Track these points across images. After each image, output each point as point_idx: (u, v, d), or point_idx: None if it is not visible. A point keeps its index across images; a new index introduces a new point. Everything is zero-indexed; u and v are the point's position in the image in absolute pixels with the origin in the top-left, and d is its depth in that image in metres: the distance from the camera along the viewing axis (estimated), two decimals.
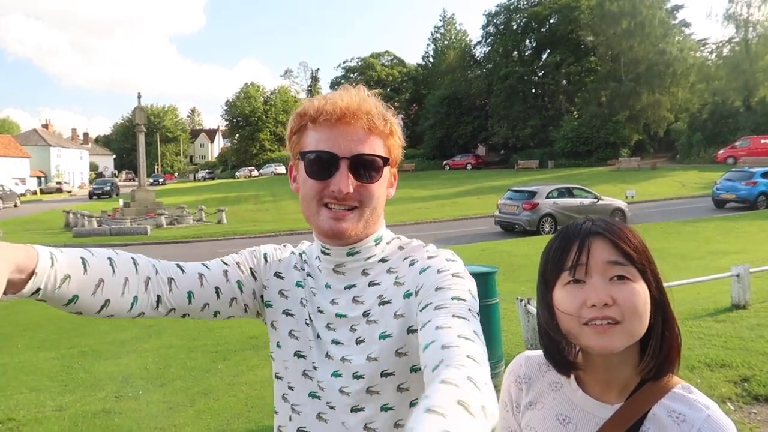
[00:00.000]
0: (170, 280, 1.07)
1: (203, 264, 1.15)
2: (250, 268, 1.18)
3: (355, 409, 1.05)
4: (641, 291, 0.99)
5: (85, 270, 0.95)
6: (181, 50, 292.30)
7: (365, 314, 1.07)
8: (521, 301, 5.40)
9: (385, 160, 1.07)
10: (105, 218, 24.60)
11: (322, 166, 1.04)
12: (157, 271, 1.06)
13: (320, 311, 1.13)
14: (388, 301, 1.05)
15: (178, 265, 1.11)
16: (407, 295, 1.03)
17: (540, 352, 1.19)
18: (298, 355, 1.13)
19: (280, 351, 1.16)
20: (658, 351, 1.02)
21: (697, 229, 14.85)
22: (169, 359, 6.09)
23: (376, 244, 1.13)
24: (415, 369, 1.03)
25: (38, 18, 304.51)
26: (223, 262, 1.16)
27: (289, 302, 1.17)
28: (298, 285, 1.16)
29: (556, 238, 1.08)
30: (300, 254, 1.22)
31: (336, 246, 1.10)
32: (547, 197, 17.00)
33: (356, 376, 1.05)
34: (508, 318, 6.39)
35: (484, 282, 4.67)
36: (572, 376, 1.11)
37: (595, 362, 1.08)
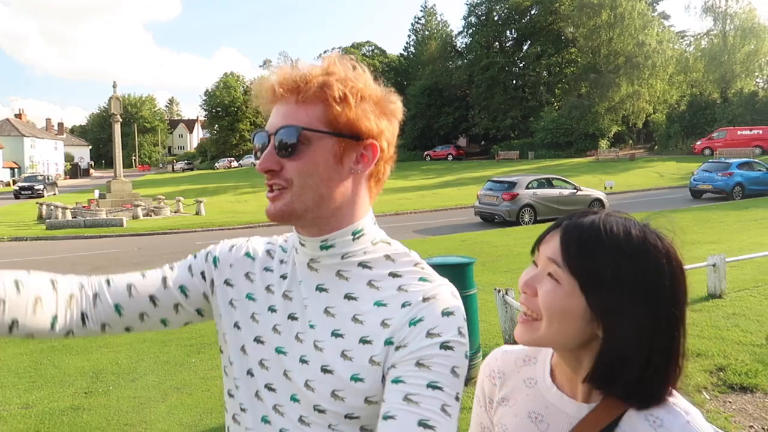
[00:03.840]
0: (95, 295, 1.03)
1: (141, 274, 1.09)
2: (202, 272, 1.09)
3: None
4: (563, 295, 0.92)
5: None
6: (157, 39, 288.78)
7: (335, 333, 0.95)
8: (499, 291, 5.36)
9: (312, 131, 0.93)
10: (80, 210, 24.15)
11: (260, 147, 0.98)
12: (82, 287, 1.03)
13: (293, 318, 1.00)
14: (369, 342, 0.92)
15: (107, 281, 1.06)
16: (388, 343, 0.91)
17: (518, 347, 1.13)
18: (250, 374, 1.02)
19: (231, 368, 1.06)
20: (594, 376, 0.93)
21: (674, 220, 15.01)
22: (142, 353, 5.96)
23: (354, 238, 0.99)
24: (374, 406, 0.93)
25: (6, 4, 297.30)
26: (169, 268, 1.10)
27: (237, 314, 1.05)
28: (249, 298, 1.05)
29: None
30: (269, 251, 1.10)
31: (308, 236, 0.99)
32: (527, 188, 17.03)
33: (318, 409, 0.94)
34: (486, 309, 6.37)
35: (462, 273, 4.62)
36: (547, 373, 1.06)
37: (557, 357, 1.05)
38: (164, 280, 1.07)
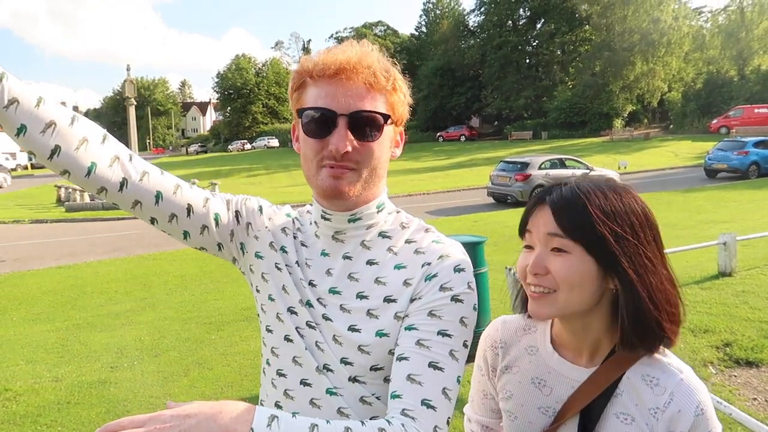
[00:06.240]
0: (145, 172, 1.04)
1: (190, 184, 1.13)
2: (236, 211, 1.15)
3: (331, 392, 1.03)
4: (577, 263, 0.99)
5: (38, 105, 0.93)
6: (166, 19, 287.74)
7: (359, 296, 1.05)
8: (510, 270, 5.46)
9: (387, 118, 1.03)
10: None
11: (320, 124, 1.00)
12: (131, 158, 1.04)
13: (312, 284, 1.09)
14: (393, 300, 1.02)
15: (161, 171, 1.09)
16: (412, 300, 1.01)
17: (517, 316, 1.21)
18: (291, 311, 1.09)
19: (273, 304, 1.12)
20: (627, 323, 1.00)
21: (688, 199, 14.94)
22: (164, 331, 6.16)
23: (378, 211, 1.09)
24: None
25: None
26: (211, 194, 1.14)
27: (278, 258, 1.13)
28: (282, 250, 1.13)
29: (529, 200, 1.11)
30: (294, 219, 1.18)
31: (337, 211, 1.07)
32: (540, 168, 17.01)
33: (344, 362, 1.02)
34: (497, 288, 6.45)
35: (473, 252, 4.74)
36: (548, 341, 1.13)
37: (561, 325, 1.11)
38: (206, 200, 1.12)
